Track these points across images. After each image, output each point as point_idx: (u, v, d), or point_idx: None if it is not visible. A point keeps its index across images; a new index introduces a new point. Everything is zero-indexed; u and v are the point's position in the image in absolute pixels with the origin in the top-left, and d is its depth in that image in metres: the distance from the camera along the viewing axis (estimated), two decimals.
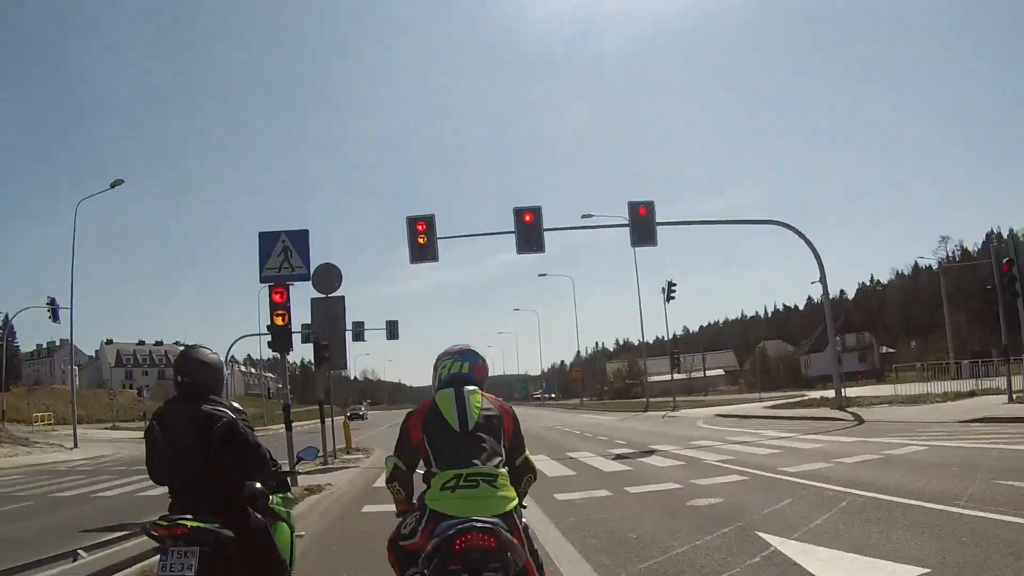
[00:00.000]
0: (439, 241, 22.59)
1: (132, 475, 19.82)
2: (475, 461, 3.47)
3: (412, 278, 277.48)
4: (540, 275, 69.41)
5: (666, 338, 77.41)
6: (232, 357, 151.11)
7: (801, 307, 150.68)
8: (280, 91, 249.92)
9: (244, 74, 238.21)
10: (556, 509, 9.52)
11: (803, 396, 39.97)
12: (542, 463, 16.17)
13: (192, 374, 4.25)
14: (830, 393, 32.98)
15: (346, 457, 20.82)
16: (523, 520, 3.54)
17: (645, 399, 52.81)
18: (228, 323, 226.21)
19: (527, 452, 3.92)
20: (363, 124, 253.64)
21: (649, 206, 23.64)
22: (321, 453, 6.92)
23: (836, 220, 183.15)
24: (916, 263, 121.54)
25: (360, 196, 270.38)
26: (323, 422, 19.41)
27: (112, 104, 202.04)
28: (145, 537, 6.52)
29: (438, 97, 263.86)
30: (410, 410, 4.01)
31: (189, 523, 3.77)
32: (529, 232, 22.76)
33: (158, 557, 4.07)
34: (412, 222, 22.38)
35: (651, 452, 16.94)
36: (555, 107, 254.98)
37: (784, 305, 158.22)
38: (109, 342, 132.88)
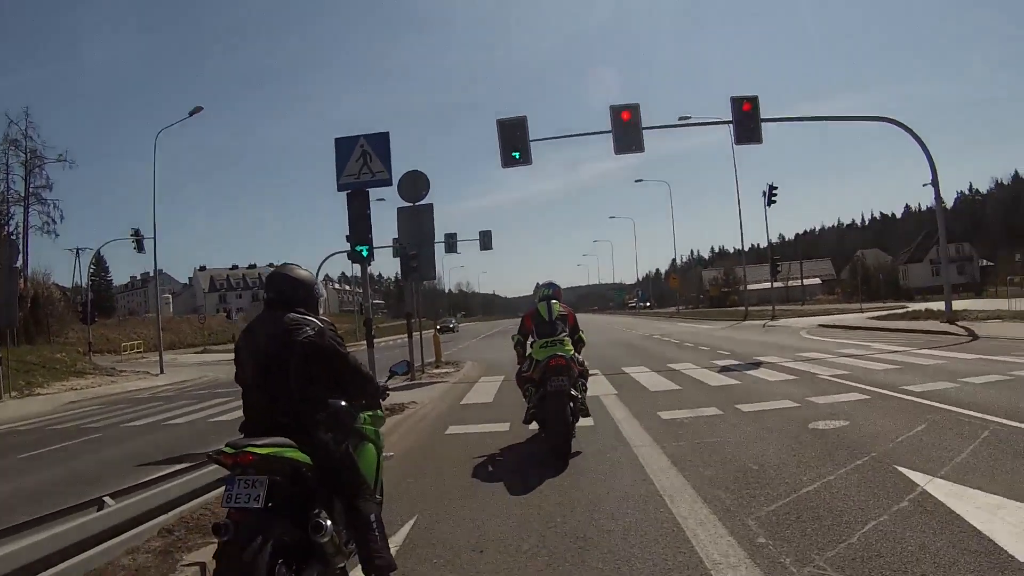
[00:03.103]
0: (532, 144, 21.70)
1: (211, 399, 19.91)
2: (553, 335, 8.44)
3: (505, 190, 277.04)
4: (636, 181, 68.55)
5: (762, 245, 75.41)
6: (327, 276, 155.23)
7: (899, 215, 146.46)
8: (363, 10, 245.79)
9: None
10: (662, 430, 9.00)
11: (905, 308, 38.32)
12: (642, 375, 15.70)
13: (279, 289, 4.01)
14: (933, 305, 31.48)
15: (435, 372, 20.57)
16: (578, 357, 8.52)
17: (744, 307, 51.40)
18: (322, 242, 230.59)
19: (581, 332, 8.91)
20: (450, 38, 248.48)
21: (753, 101, 22.14)
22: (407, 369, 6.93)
23: (936, 127, 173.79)
24: (1016, 172, 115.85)
25: (449, 110, 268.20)
26: (410, 336, 19.05)
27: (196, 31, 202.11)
28: (195, 475, 6.21)
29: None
30: (523, 314, 9.19)
31: (258, 450, 3.42)
32: (627, 130, 21.64)
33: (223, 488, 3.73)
34: (503, 125, 21.53)
35: (758, 364, 16.22)
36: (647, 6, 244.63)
37: (882, 213, 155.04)
38: (202, 268, 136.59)
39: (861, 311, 41.10)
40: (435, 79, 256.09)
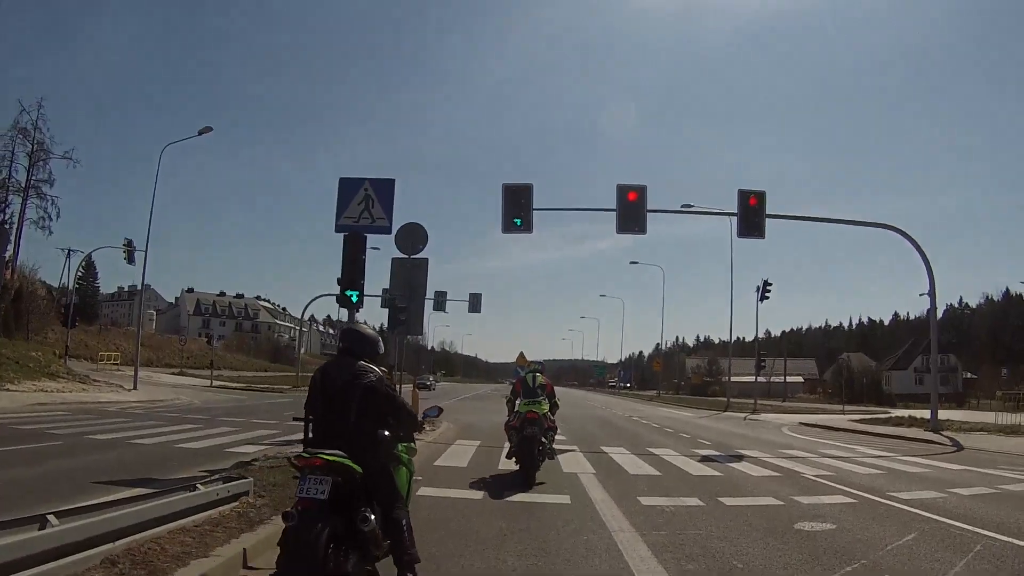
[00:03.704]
0: (534, 213, 21.70)
1: (181, 423, 19.45)
2: (535, 398, 11.90)
3: (498, 257, 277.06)
4: (631, 263, 68.86)
5: (748, 339, 75.62)
6: (312, 317, 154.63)
7: (887, 322, 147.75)
8: (378, 59, 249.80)
9: (341, 38, 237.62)
10: (642, 517, 8.66)
11: (887, 413, 38.25)
12: (621, 456, 15.39)
13: (351, 341, 5.23)
14: (917, 412, 31.29)
15: None
16: (550, 416, 12.09)
17: (726, 398, 51.18)
18: (312, 282, 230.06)
19: (556, 399, 12.56)
20: (461, 98, 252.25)
21: (760, 196, 22.34)
22: (438, 413, 7.61)
23: (931, 240, 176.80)
24: (1007, 289, 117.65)
25: (453, 172, 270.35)
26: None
27: (212, 56, 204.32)
28: (150, 504, 5.91)
29: (541, 78, 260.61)
30: (513, 381, 14.42)
31: (326, 456, 4.54)
32: (632, 211, 21.73)
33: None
34: (508, 190, 21.55)
35: (740, 457, 15.93)
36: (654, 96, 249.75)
37: (869, 318, 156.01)
38: (190, 290, 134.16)
39: (843, 412, 40.96)
40: (447, 137, 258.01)
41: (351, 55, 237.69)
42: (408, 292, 18.32)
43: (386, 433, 5.05)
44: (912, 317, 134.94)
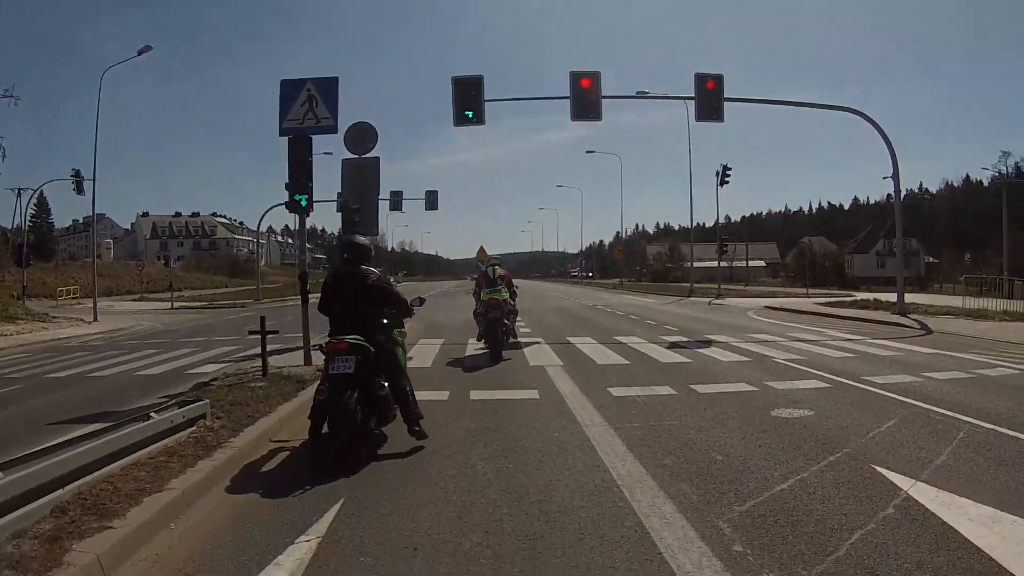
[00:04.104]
0: (487, 106, 20.84)
1: (141, 349, 18.83)
2: (495, 287, 14.25)
3: (454, 152, 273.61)
4: (588, 152, 68.18)
5: (708, 224, 75.66)
6: (270, 227, 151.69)
7: (847, 207, 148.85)
8: None
9: None
10: (615, 409, 8.40)
11: (851, 296, 38.35)
12: (588, 346, 15.20)
13: (353, 250, 6.88)
14: (882, 296, 31.40)
15: None
16: (510, 301, 14.73)
17: (689, 284, 51.22)
18: (266, 193, 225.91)
19: (514, 287, 15.31)
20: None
21: (718, 80, 21.57)
22: (422, 303, 8.53)
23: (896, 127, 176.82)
24: (967, 176, 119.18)
25: (401, 67, 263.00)
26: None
27: None
28: (102, 439, 5.43)
29: None
30: (476, 275, 16.86)
31: (349, 340, 6.22)
32: (586, 97, 20.97)
33: (324, 363, 6.40)
34: (459, 83, 20.63)
35: (708, 343, 15.81)
36: None
37: (830, 203, 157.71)
38: (145, 215, 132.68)
39: (807, 296, 41.22)
40: (394, 40, 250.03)
41: None
42: (362, 193, 17.58)
43: (385, 321, 6.72)
44: (872, 202, 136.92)
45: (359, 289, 6.52)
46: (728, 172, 41.28)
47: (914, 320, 21.37)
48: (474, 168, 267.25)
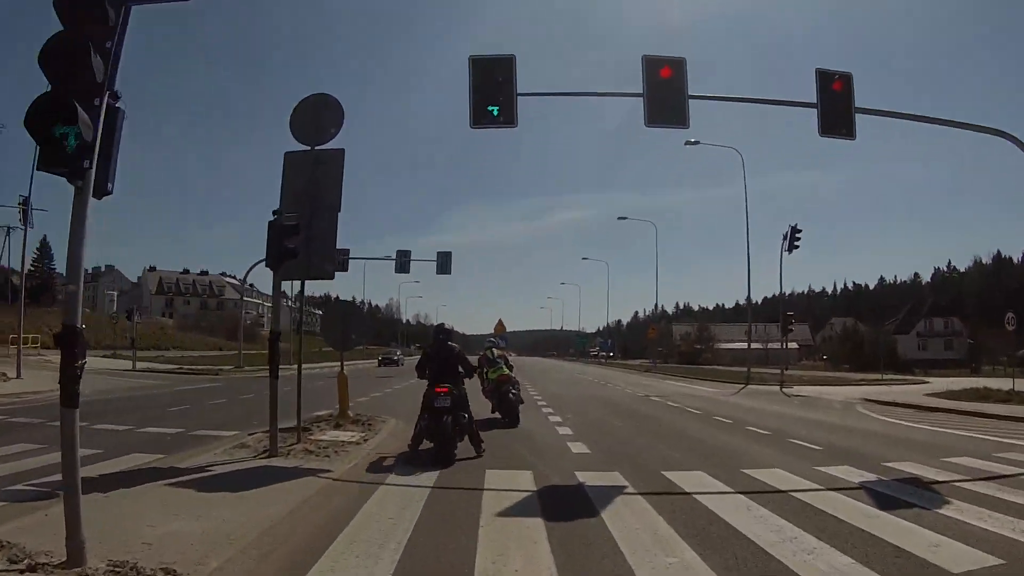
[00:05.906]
0: (518, 99, 13.85)
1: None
2: (496, 365, 17.12)
3: (471, 230, 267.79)
4: (620, 218, 62.47)
5: (727, 306, 69.53)
6: (284, 293, 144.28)
7: (871, 286, 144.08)
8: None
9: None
10: None
11: (924, 381, 31.54)
12: (715, 499, 7.58)
13: (445, 332, 11.66)
14: (966, 381, 24.60)
15: (321, 439, 11.66)
16: (512, 374, 16.86)
17: (747, 369, 40.71)
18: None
19: (510, 363, 17.65)
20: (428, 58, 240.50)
21: (846, 79, 14.64)
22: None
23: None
24: (999, 252, 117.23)
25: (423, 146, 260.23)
26: (273, 376, 10.64)
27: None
28: None
29: None
30: (479, 356, 17.00)
31: (447, 385, 10.52)
32: (667, 92, 13.89)
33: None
34: (478, 65, 13.57)
35: (916, 482, 8.71)
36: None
37: (855, 283, 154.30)
38: (152, 269, 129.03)
39: (882, 382, 34.49)
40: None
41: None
42: (312, 205, 10.69)
43: (460, 370, 11.03)
44: (899, 281, 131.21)
45: (450, 356, 10.98)
46: (798, 235, 34.03)
47: None
48: (491, 244, 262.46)
